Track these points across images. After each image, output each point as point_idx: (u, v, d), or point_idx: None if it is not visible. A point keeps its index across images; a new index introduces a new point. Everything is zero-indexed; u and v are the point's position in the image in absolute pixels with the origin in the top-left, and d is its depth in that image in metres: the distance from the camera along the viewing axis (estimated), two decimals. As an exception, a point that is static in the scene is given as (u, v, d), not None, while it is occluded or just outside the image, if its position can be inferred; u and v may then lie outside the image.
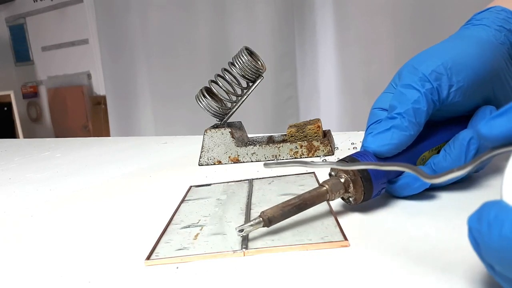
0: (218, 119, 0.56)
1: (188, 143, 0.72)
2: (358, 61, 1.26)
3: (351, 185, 0.31)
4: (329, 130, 0.57)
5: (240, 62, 0.53)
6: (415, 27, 1.14)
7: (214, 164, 0.54)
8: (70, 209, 0.43)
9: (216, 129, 0.54)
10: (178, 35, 1.54)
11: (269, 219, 0.28)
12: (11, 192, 0.52)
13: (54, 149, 0.83)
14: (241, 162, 0.54)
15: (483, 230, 0.17)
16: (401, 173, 0.33)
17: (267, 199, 0.37)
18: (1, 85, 3.22)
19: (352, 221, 0.31)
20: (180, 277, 0.26)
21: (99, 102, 2.94)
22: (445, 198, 0.33)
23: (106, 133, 2.66)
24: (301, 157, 0.52)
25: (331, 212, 0.32)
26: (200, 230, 0.32)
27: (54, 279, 0.27)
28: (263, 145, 0.53)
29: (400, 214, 0.31)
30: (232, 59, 0.54)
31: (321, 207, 0.32)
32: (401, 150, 0.32)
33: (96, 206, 0.43)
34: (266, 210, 0.29)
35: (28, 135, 3.31)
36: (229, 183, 0.44)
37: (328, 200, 0.31)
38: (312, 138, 0.53)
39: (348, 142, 0.58)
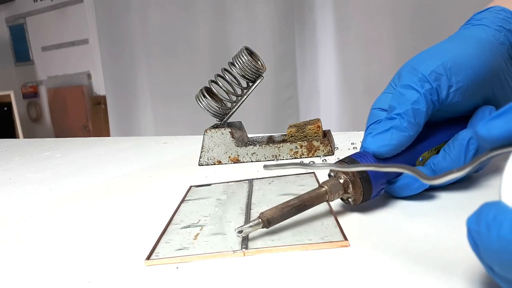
0: (218, 119, 0.56)
1: (188, 143, 0.72)
2: (358, 61, 1.25)
3: (350, 186, 0.31)
4: (329, 130, 0.57)
5: (240, 62, 0.53)
6: (415, 27, 1.14)
7: (214, 164, 0.54)
8: (70, 209, 0.43)
9: (216, 129, 0.54)
10: (178, 35, 1.54)
11: (268, 220, 0.28)
12: (11, 192, 0.52)
13: (54, 149, 0.83)
14: (241, 162, 0.54)
15: (482, 231, 0.17)
16: (400, 173, 0.33)
17: (267, 199, 0.37)
18: (1, 85, 3.22)
19: (352, 221, 0.31)
20: (180, 277, 0.26)
21: (99, 102, 2.94)
22: (445, 198, 0.33)
23: (106, 133, 2.66)
24: (301, 157, 0.53)
25: (331, 212, 0.32)
26: (200, 230, 0.32)
27: (54, 279, 0.27)
28: (263, 145, 0.53)
29: (400, 214, 0.31)
30: (232, 59, 0.54)
31: (321, 207, 0.32)
32: (400, 151, 0.32)
33: (96, 206, 0.43)
34: (266, 211, 0.29)
35: (28, 135, 3.31)
36: (229, 183, 0.44)
37: (327, 201, 0.31)
38: (312, 138, 0.53)
39: (348, 142, 0.58)
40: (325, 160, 0.50)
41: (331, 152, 0.52)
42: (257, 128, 1.31)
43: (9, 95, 3.10)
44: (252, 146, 0.54)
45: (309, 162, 0.50)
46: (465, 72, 0.33)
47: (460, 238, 0.25)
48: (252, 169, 0.49)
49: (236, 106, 0.55)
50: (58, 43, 3.22)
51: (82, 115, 3.11)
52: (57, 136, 3.30)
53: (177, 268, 0.27)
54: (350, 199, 0.31)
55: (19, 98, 3.44)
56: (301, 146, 0.52)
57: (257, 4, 1.35)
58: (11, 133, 3.11)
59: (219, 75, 0.55)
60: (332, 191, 0.30)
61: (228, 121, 0.56)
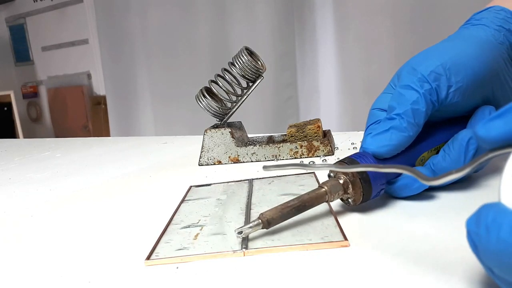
0: (218, 119, 0.56)
1: (188, 143, 0.72)
2: (358, 61, 1.25)
3: (350, 186, 0.31)
4: (329, 130, 0.57)
5: (240, 62, 0.53)
6: (415, 27, 1.14)
7: (214, 164, 0.55)
8: (70, 209, 0.43)
9: (216, 129, 0.54)
10: (178, 35, 1.54)
11: (268, 221, 0.29)
12: (11, 192, 0.52)
13: (54, 149, 0.83)
14: (241, 162, 0.54)
15: (481, 233, 0.17)
16: (400, 173, 0.33)
17: (267, 199, 0.37)
18: (1, 85, 3.22)
19: (352, 221, 0.31)
20: (180, 277, 0.26)
21: (99, 102, 2.94)
22: (445, 198, 0.33)
23: (106, 133, 2.66)
24: (301, 157, 0.53)
25: (331, 212, 0.32)
26: (200, 230, 0.32)
27: (54, 279, 0.27)
28: (263, 145, 0.53)
29: (400, 214, 0.31)
30: (232, 59, 0.54)
31: (321, 207, 0.32)
32: (400, 151, 0.32)
33: (96, 206, 0.43)
34: (265, 212, 0.29)
35: (28, 135, 3.31)
36: (229, 183, 0.44)
37: (327, 202, 0.31)
38: (312, 138, 0.53)
39: (348, 142, 0.58)
40: (325, 160, 0.50)
41: (331, 152, 0.52)
42: (257, 128, 1.31)
43: (9, 95, 3.10)
44: (252, 146, 0.54)
45: (309, 162, 0.50)
46: (465, 72, 0.33)
47: (460, 238, 0.25)
48: (252, 169, 0.49)
49: (236, 106, 0.55)
50: (58, 43, 3.22)
51: (82, 115, 3.11)
52: (57, 136, 3.30)
53: (177, 268, 0.27)
54: (350, 200, 0.31)
55: (19, 98, 3.44)
56: (301, 146, 0.52)
57: (257, 4, 1.35)
58: (11, 133, 3.11)
59: (219, 75, 0.55)
60: (332, 192, 0.30)
61: (228, 121, 0.56)
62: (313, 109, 1.38)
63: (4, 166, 0.71)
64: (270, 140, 0.57)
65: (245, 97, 0.55)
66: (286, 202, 0.30)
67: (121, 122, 1.79)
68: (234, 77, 0.54)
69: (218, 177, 0.48)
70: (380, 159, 0.32)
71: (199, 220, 0.34)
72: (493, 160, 0.20)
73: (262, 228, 0.29)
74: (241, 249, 0.27)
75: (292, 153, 0.53)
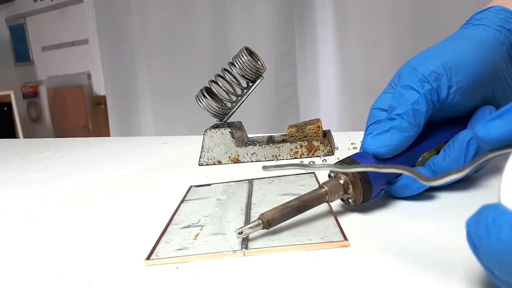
0: (218, 119, 0.56)
1: (188, 143, 0.72)
2: (358, 61, 1.25)
3: (350, 186, 0.31)
4: (329, 130, 0.57)
5: (240, 62, 0.53)
6: (415, 27, 1.14)
7: (214, 164, 0.54)
8: (70, 209, 0.43)
9: (216, 129, 0.54)
10: (178, 35, 1.54)
11: (268, 222, 0.28)
12: (11, 192, 0.52)
13: (54, 149, 0.83)
14: (241, 162, 0.54)
15: (481, 234, 0.17)
16: (400, 174, 0.33)
17: (267, 199, 0.37)
18: (1, 85, 3.22)
19: (352, 221, 0.31)
20: (180, 277, 0.26)
21: (99, 102, 2.94)
22: (445, 198, 0.33)
23: (106, 133, 2.66)
24: (301, 157, 0.53)
25: (331, 212, 0.32)
26: (200, 230, 0.32)
27: (54, 279, 0.27)
28: (263, 145, 0.53)
29: (400, 214, 0.31)
30: (232, 59, 0.54)
31: (321, 207, 0.32)
32: (400, 151, 0.32)
33: (96, 206, 0.43)
34: (266, 212, 0.29)
35: (28, 135, 3.31)
36: (229, 183, 0.44)
37: (327, 202, 0.31)
38: (312, 138, 0.53)
39: (348, 142, 0.58)
40: (325, 160, 0.50)
41: (331, 152, 0.52)
42: (257, 128, 1.31)
43: (9, 95, 3.10)
44: (252, 146, 0.54)
45: (309, 162, 0.50)
46: (465, 72, 0.32)
47: (460, 238, 0.25)
48: (252, 169, 0.49)
49: (236, 106, 0.55)
50: (58, 43, 3.22)
51: (82, 115, 3.11)
52: (57, 136, 3.30)
53: (177, 268, 0.27)
54: (350, 200, 0.31)
55: (19, 98, 3.44)
56: (301, 146, 0.52)
57: (257, 4, 1.35)
58: (11, 133, 3.11)
59: (219, 75, 0.55)
60: (332, 192, 0.30)
61: (228, 121, 0.56)
62: (313, 109, 1.39)
63: (4, 166, 0.71)
64: (270, 140, 0.57)
65: (245, 97, 0.55)
66: (287, 202, 0.30)
67: (121, 122, 1.79)
68: (234, 77, 0.54)
69: (218, 177, 0.48)
70: (380, 159, 0.32)
71: (199, 220, 0.34)
72: (493, 160, 0.20)
73: (263, 229, 0.29)
74: (241, 249, 0.27)
75: (292, 153, 0.53)
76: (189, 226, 0.33)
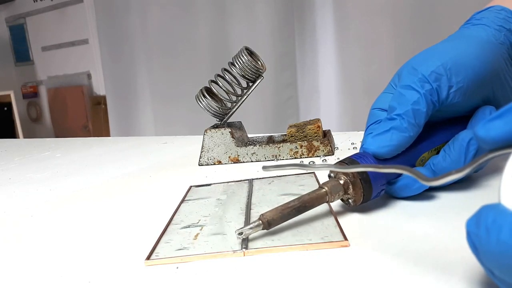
0: (218, 119, 0.56)
1: (188, 143, 0.72)
2: (358, 61, 1.26)
3: (350, 187, 0.31)
4: (329, 130, 0.57)
5: (240, 62, 0.53)
6: (415, 27, 1.14)
7: (214, 164, 0.54)
8: (70, 209, 0.43)
9: (216, 129, 0.54)
10: (178, 35, 1.54)
11: (268, 222, 0.28)
12: (11, 192, 0.52)
13: (54, 149, 0.83)
14: (241, 162, 0.54)
15: (481, 234, 0.17)
16: (400, 174, 0.33)
17: (267, 199, 0.37)
18: (1, 85, 3.22)
19: (352, 221, 0.31)
20: (180, 277, 0.26)
21: (99, 102, 2.94)
22: (445, 198, 0.33)
23: (106, 133, 2.66)
24: (301, 157, 0.53)
25: (331, 212, 0.32)
26: (200, 230, 0.32)
27: (54, 279, 0.27)
28: (263, 145, 0.53)
29: (400, 214, 0.31)
30: (232, 59, 0.54)
31: (321, 207, 0.32)
32: (400, 151, 0.32)
33: (96, 206, 0.43)
34: (266, 212, 0.29)
35: (28, 135, 3.31)
36: (229, 183, 0.44)
37: (327, 202, 0.31)
38: (312, 138, 0.53)
39: (348, 142, 0.58)
40: (325, 160, 0.50)
41: (331, 152, 0.52)
42: (257, 128, 1.31)
43: (9, 95, 3.10)
44: (252, 146, 0.54)
45: (309, 162, 0.50)
46: (465, 72, 0.32)
47: (460, 239, 0.25)
48: (252, 169, 0.49)
49: (236, 106, 0.55)
50: (58, 43, 3.22)
51: (82, 115, 3.11)
52: (57, 136, 3.30)
53: (177, 268, 0.27)
54: (350, 200, 0.31)
55: (19, 98, 3.44)
56: (301, 146, 0.52)
57: (257, 4, 1.35)
58: (11, 133, 3.11)
59: (219, 75, 0.55)
60: (332, 192, 0.30)
61: (228, 121, 0.56)
62: (313, 109, 1.39)
63: (4, 166, 0.71)
64: (270, 140, 0.57)
65: (245, 97, 0.55)
66: (287, 203, 0.30)
67: (121, 122, 1.79)
68: (234, 77, 0.54)
69: (218, 177, 0.48)
70: (381, 160, 0.32)
71: (199, 220, 0.34)
72: (493, 160, 0.20)
73: (263, 229, 0.29)
74: (241, 249, 0.27)
75: (292, 153, 0.53)
76: (189, 226, 0.33)
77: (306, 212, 0.31)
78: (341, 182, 0.31)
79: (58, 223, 0.39)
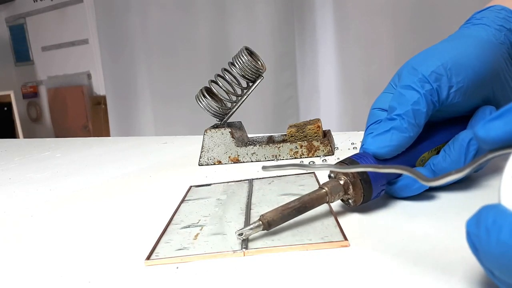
0: (218, 119, 0.56)
1: (188, 143, 0.72)
2: (358, 61, 1.25)
3: (350, 187, 0.31)
4: (329, 130, 0.57)
5: (240, 62, 0.53)
6: (415, 27, 1.14)
7: (214, 164, 0.54)
8: (70, 209, 0.43)
9: (216, 129, 0.54)
10: (178, 35, 1.54)
11: (268, 223, 0.28)
12: (11, 192, 0.52)
13: (54, 149, 0.83)
14: (241, 162, 0.54)
15: (481, 235, 0.17)
16: (400, 174, 0.33)
17: (267, 199, 0.37)
18: (1, 85, 3.22)
19: (352, 221, 0.31)
20: (180, 277, 0.26)
21: (99, 102, 2.94)
22: (445, 198, 0.33)
23: (106, 133, 2.66)
24: (301, 157, 0.53)
25: (331, 212, 0.32)
26: (200, 230, 0.32)
27: (54, 279, 0.27)
28: (263, 145, 0.53)
29: (400, 214, 0.31)
30: (232, 59, 0.54)
31: (321, 207, 0.32)
32: (400, 152, 0.32)
33: (96, 206, 0.43)
34: (266, 213, 0.29)
35: (28, 135, 3.31)
36: (229, 183, 0.44)
37: (327, 202, 0.31)
38: (312, 138, 0.53)
39: (348, 142, 0.58)
40: (325, 160, 0.50)
41: (331, 152, 0.52)
42: (257, 128, 1.31)
43: (9, 95, 3.10)
44: (252, 146, 0.54)
45: (309, 162, 0.50)
46: (466, 72, 0.32)
47: (460, 239, 0.25)
48: (252, 169, 0.49)
49: (236, 106, 0.55)
50: (58, 43, 3.22)
51: (82, 115, 3.11)
52: (57, 136, 3.30)
53: (177, 268, 0.27)
54: (350, 201, 0.31)
55: (19, 98, 3.44)
56: (301, 146, 0.52)
57: (257, 4, 1.35)
58: (11, 133, 3.11)
59: (219, 75, 0.55)
60: (332, 193, 0.30)
61: (228, 121, 0.56)
62: (313, 109, 1.39)
63: (4, 166, 0.71)
64: (270, 140, 0.57)
65: (245, 97, 0.55)
66: (287, 204, 0.30)
67: (121, 122, 1.79)
68: (234, 77, 0.54)
69: (218, 177, 0.48)
70: (381, 160, 0.32)
71: (199, 220, 0.34)
72: (493, 160, 0.20)
73: (263, 230, 0.29)
74: (241, 249, 0.27)
75: (292, 153, 0.53)
76: (189, 226, 0.33)
77: (306, 212, 0.31)
78: (341, 182, 0.31)
79: (58, 223, 0.39)
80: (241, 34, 1.40)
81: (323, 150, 0.52)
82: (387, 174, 0.32)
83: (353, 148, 0.54)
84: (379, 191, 0.31)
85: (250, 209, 0.35)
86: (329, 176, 0.32)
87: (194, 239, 0.30)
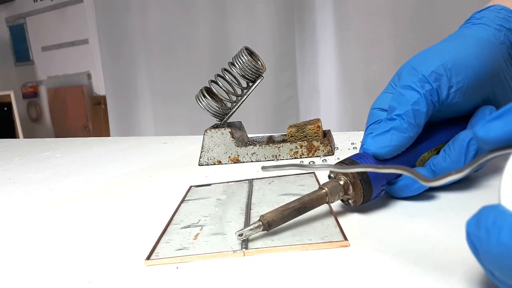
0: (218, 119, 0.56)
1: (188, 143, 0.72)
2: (358, 61, 1.25)
3: (350, 187, 0.31)
4: (329, 130, 0.57)
5: (240, 62, 0.53)
6: (415, 27, 1.14)
7: (214, 164, 0.54)
8: (70, 209, 0.43)
9: (216, 129, 0.54)
10: (178, 35, 1.54)
11: (268, 223, 0.28)
12: (11, 192, 0.52)
13: (54, 149, 0.83)
14: (241, 162, 0.54)
15: (482, 236, 0.17)
16: (400, 174, 0.33)
17: (267, 199, 0.37)
18: (1, 85, 3.22)
19: (352, 221, 0.31)
20: (180, 277, 0.26)
21: (99, 102, 2.94)
22: (445, 198, 0.33)
23: (106, 133, 2.66)
24: (301, 157, 0.53)
25: (331, 212, 0.32)
26: (200, 230, 0.32)
27: (54, 279, 0.27)
28: (263, 145, 0.53)
29: (400, 214, 0.31)
30: (232, 59, 0.54)
31: (321, 207, 0.32)
32: (400, 152, 0.32)
33: (96, 206, 0.43)
34: (266, 214, 0.29)
35: (28, 135, 3.31)
36: (229, 183, 0.44)
37: (327, 203, 0.31)
38: (312, 138, 0.53)
39: (348, 142, 0.58)
40: (325, 160, 0.50)
41: (331, 152, 0.52)
42: (257, 128, 1.31)
43: (9, 95, 3.10)
44: (252, 146, 0.54)
45: (309, 162, 0.50)
46: (465, 72, 0.32)
47: (460, 239, 0.25)
48: (252, 169, 0.49)
49: (236, 106, 0.55)
50: (58, 43, 3.22)
51: (82, 115, 3.11)
52: (57, 136, 3.30)
53: (177, 268, 0.27)
54: (350, 201, 0.31)
55: (19, 98, 3.44)
56: (301, 146, 0.52)
57: (257, 4, 1.35)
58: (11, 133, 3.11)
59: (219, 75, 0.55)
60: (332, 193, 0.30)
61: (228, 121, 0.56)
62: (313, 109, 1.39)
63: (4, 166, 0.71)
64: (270, 140, 0.57)
65: (245, 97, 0.55)
66: (287, 204, 0.30)
67: (121, 122, 1.79)
68: (234, 77, 0.54)
69: (218, 177, 0.48)
70: (380, 160, 0.32)
71: (199, 220, 0.34)
72: (493, 161, 0.20)
73: (263, 230, 0.29)
74: (241, 249, 0.27)
75: (292, 153, 0.53)
76: (189, 226, 0.33)
77: (306, 213, 0.30)
78: (341, 182, 0.31)
79: (58, 223, 0.39)
80: (241, 34, 1.40)
81: (323, 150, 0.52)
82: (387, 174, 0.32)
83: (353, 148, 0.54)
84: (379, 191, 0.31)
85: (250, 209, 0.35)
86: (329, 177, 0.32)
87: (194, 239, 0.30)
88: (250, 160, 0.54)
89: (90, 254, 0.31)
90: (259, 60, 0.54)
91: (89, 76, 3.12)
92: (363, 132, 0.36)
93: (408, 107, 0.32)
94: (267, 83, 1.08)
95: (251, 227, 0.28)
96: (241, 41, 1.29)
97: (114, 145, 0.80)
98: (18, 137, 3.03)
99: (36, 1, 3.27)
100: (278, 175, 0.44)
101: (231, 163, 0.54)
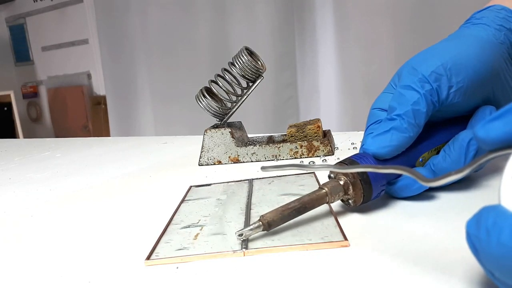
0: (218, 119, 0.56)
1: (188, 143, 0.72)
2: (358, 61, 1.25)
3: (350, 187, 0.31)
4: (329, 130, 0.57)
5: (240, 62, 0.53)
6: (415, 27, 1.14)
7: (214, 164, 0.54)
8: (70, 209, 0.43)
9: (216, 129, 0.54)
10: (178, 35, 1.54)
11: (268, 223, 0.28)
12: (11, 192, 0.52)
13: (54, 149, 0.83)
14: (241, 162, 0.54)
15: (482, 236, 0.17)
16: (400, 174, 0.33)
17: (267, 199, 0.37)
18: (1, 85, 3.22)
19: (352, 221, 0.31)
20: (180, 277, 0.26)
21: (99, 102, 2.94)
22: (445, 198, 0.33)
23: (106, 133, 2.66)
24: (301, 157, 0.53)
25: (331, 212, 0.32)
26: (200, 230, 0.32)
27: (54, 279, 0.27)
28: (263, 145, 0.53)
29: (400, 214, 0.31)
30: (232, 59, 0.54)
31: (321, 207, 0.32)
32: (400, 152, 0.32)
33: (96, 206, 0.43)
34: (266, 214, 0.29)
35: (28, 135, 3.31)
36: (229, 183, 0.44)
37: (327, 203, 0.31)
38: (312, 138, 0.53)
39: (348, 142, 0.58)
40: (325, 160, 0.50)
41: (331, 152, 0.52)
42: (257, 128, 1.31)
43: (9, 95, 3.10)
44: (252, 146, 0.54)
45: (309, 162, 0.50)
46: (465, 72, 0.32)
47: (460, 239, 0.25)
48: (252, 169, 0.49)
49: (236, 106, 0.55)
50: (58, 43, 3.22)
51: (82, 115, 3.11)
52: (57, 136, 3.30)
53: (177, 268, 0.27)
54: (350, 201, 0.31)
55: (19, 98, 3.43)
56: (301, 146, 0.52)
57: (257, 4, 1.35)
58: (11, 133, 3.11)
59: (219, 75, 0.55)
60: (332, 193, 0.30)
61: (228, 121, 0.56)
62: (313, 109, 1.39)
63: (4, 166, 0.70)
64: (270, 140, 0.57)
65: (245, 97, 0.55)
66: (287, 204, 0.30)
67: (121, 122, 1.79)
68: (234, 77, 0.54)
69: (218, 177, 0.48)
70: (380, 160, 0.32)
71: (199, 220, 0.34)
72: (493, 160, 0.20)
73: (263, 230, 0.29)
74: (241, 249, 0.27)
75: (292, 153, 0.53)
76: (189, 226, 0.33)
77: (306, 213, 0.30)
78: (341, 182, 0.31)
79: (58, 223, 0.39)
80: (241, 34, 1.40)
81: (323, 150, 0.52)
82: (387, 174, 0.32)
83: (353, 148, 0.54)
84: (379, 191, 0.31)
85: (250, 209, 0.35)
86: (329, 177, 0.32)
87: (194, 239, 0.30)
88: (250, 160, 0.54)
89: (90, 254, 0.31)
90: (259, 60, 0.54)
91: (89, 76, 3.12)
92: (363, 132, 0.36)
93: (408, 107, 0.32)
94: (267, 83, 1.08)
95: (251, 227, 0.28)
96: (241, 41, 1.29)
97: (114, 145, 0.80)
98: (18, 137, 3.03)
99: (36, 1, 3.27)
100: (278, 175, 0.44)
101: (231, 163, 0.54)
